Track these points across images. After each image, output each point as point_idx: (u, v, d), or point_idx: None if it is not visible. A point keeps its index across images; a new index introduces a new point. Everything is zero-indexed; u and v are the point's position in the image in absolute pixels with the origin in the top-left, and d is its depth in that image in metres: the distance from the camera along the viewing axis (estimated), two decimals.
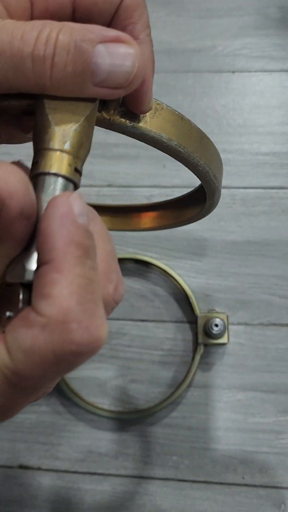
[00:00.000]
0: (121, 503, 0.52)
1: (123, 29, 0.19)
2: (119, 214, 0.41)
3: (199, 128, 0.23)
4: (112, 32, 0.17)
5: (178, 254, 0.58)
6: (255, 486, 0.51)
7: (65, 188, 0.18)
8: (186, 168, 0.25)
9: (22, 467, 0.54)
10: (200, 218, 0.35)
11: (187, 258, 0.58)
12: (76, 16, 0.20)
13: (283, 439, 0.52)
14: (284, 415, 0.52)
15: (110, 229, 0.32)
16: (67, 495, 0.53)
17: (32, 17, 0.19)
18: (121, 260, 0.57)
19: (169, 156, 0.26)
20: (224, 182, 0.60)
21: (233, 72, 0.64)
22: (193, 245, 0.58)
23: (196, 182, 0.29)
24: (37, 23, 0.17)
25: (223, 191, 0.59)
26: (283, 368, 0.53)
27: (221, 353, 0.54)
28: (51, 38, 0.16)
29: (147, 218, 0.40)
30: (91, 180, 0.61)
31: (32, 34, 0.16)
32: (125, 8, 0.19)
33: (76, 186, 0.19)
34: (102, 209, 0.41)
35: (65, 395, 0.54)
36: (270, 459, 0.51)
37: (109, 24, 0.20)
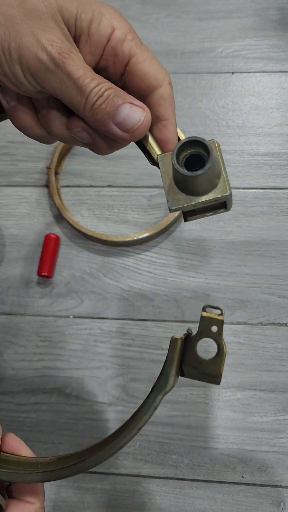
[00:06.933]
0: (121, 502, 0.52)
1: (157, 108, 0.28)
2: None
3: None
4: (138, 102, 0.27)
5: (178, 254, 0.58)
6: (254, 485, 0.51)
7: None
8: None
9: None
10: None
11: (187, 258, 0.58)
12: (124, 78, 0.28)
13: (282, 438, 0.52)
14: (283, 414, 0.52)
15: None
16: (68, 494, 0.53)
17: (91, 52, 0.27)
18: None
19: None
20: None
21: (232, 73, 0.64)
22: (192, 245, 0.58)
23: None
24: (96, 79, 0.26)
25: None
26: (282, 367, 0.53)
27: None
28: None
29: None
30: (91, 180, 0.62)
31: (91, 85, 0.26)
32: (160, 95, 0.28)
33: None
34: None
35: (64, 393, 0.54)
36: (269, 458, 0.51)
37: (145, 98, 0.29)
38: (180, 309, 0.56)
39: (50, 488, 0.53)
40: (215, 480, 0.51)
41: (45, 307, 0.58)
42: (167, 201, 0.27)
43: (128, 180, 0.61)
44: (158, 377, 0.27)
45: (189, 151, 0.26)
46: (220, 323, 0.28)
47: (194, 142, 0.25)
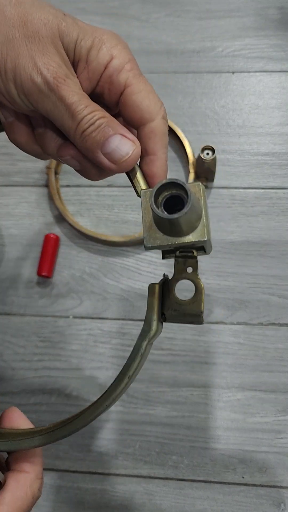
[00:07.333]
0: (121, 503, 0.52)
1: (147, 141, 0.28)
2: None
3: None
4: (130, 134, 0.27)
5: None
6: (254, 485, 0.51)
7: None
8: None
9: None
10: None
11: None
12: (121, 107, 0.28)
13: (282, 439, 0.52)
14: (284, 414, 0.52)
15: None
16: (67, 494, 0.52)
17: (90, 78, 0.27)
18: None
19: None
20: (224, 182, 0.60)
21: (233, 72, 0.64)
22: None
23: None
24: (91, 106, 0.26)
25: (223, 191, 0.60)
26: (282, 367, 0.53)
27: (221, 352, 0.54)
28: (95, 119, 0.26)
29: None
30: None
31: (84, 112, 0.26)
32: (151, 129, 0.28)
33: None
34: None
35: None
36: (269, 458, 0.51)
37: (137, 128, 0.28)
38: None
39: (50, 488, 0.53)
40: (215, 480, 0.51)
41: (44, 307, 0.58)
42: (144, 238, 0.27)
43: (128, 180, 0.61)
44: (143, 326, 0.27)
45: (170, 192, 0.26)
46: (194, 263, 0.28)
47: (175, 184, 0.25)
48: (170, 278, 0.29)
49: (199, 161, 0.55)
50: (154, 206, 0.25)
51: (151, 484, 0.52)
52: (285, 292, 0.55)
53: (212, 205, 0.59)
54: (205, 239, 0.26)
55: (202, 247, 0.28)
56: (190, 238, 0.26)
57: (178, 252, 0.28)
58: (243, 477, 0.51)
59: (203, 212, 0.26)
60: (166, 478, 0.52)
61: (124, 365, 0.27)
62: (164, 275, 0.29)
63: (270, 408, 0.52)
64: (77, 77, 0.27)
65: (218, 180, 0.60)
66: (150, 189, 0.27)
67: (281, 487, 0.50)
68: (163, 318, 0.28)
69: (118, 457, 0.53)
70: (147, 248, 0.27)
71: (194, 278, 0.28)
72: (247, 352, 0.54)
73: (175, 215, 0.24)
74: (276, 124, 0.61)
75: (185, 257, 0.28)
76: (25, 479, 0.28)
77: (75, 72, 0.27)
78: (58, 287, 0.58)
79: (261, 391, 0.53)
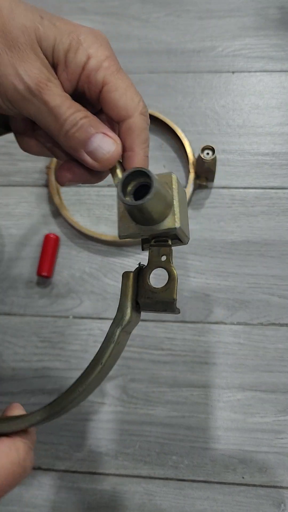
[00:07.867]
0: (121, 503, 0.52)
1: (125, 138, 0.28)
2: None
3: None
4: (111, 133, 0.28)
5: (178, 254, 0.58)
6: (254, 485, 0.51)
7: None
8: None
9: None
10: None
11: (187, 258, 0.58)
12: (101, 105, 0.28)
13: (282, 439, 0.51)
14: (284, 414, 0.52)
15: None
16: (67, 494, 0.52)
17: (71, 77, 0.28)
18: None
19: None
20: (224, 182, 0.60)
21: (233, 72, 0.64)
22: (192, 245, 0.58)
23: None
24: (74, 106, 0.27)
25: (223, 191, 0.60)
26: (282, 367, 0.53)
27: (221, 353, 0.54)
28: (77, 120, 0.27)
29: None
30: None
31: (67, 113, 0.27)
32: (129, 126, 0.28)
33: None
34: None
35: None
36: (269, 458, 0.51)
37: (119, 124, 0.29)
38: (180, 309, 0.56)
39: (50, 489, 0.52)
40: (215, 481, 0.51)
41: (44, 307, 0.58)
42: (118, 227, 0.27)
43: None
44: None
45: (138, 182, 0.26)
46: (168, 251, 0.28)
47: (142, 173, 0.25)
48: (144, 266, 0.29)
49: (199, 161, 0.55)
50: (121, 193, 0.25)
51: (151, 484, 0.52)
52: (285, 292, 0.55)
53: (212, 205, 0.59)
54: (175, 227, 0.26)
55: (176, 237, 0.28)
56: (162, 226, 0.27)
57: (153, 241, 0.29)
58: (243, 477, 0.51)
59: (175, 200, 0.26)
60: (166, 478, 0.52)
61: (97, 351, 0.27)
62: (139, 264, 0.29)
63: (270, 408, 0.52)
64: (58, 79, 0.27)
65: (218, 180, 0.59)
66: None
67: (281, 487, 0.50)
68: (137, 306, 0.29)
69: (118, 457, 0.53)
70: (121, 237, 0.27)
71: (167, 266, 0.28)
72: (247, 352, 0.54)
73: (139, 201, 0.24)
74: (276, 124, 0.61)
75: (160, 246, 0.29)
76: (7, 439, 0.29)
77: (56, 73, 0.28)
78: (58, 287, 0.58)
79: (261, 391, 0.53)
